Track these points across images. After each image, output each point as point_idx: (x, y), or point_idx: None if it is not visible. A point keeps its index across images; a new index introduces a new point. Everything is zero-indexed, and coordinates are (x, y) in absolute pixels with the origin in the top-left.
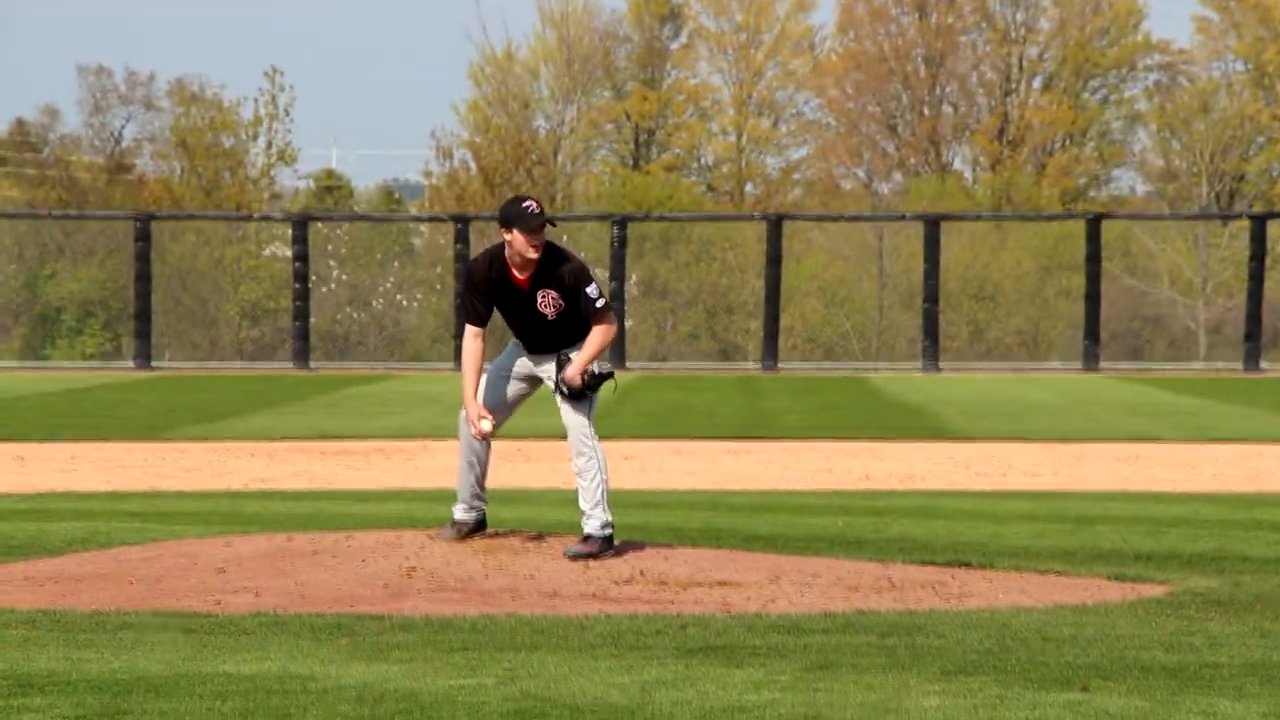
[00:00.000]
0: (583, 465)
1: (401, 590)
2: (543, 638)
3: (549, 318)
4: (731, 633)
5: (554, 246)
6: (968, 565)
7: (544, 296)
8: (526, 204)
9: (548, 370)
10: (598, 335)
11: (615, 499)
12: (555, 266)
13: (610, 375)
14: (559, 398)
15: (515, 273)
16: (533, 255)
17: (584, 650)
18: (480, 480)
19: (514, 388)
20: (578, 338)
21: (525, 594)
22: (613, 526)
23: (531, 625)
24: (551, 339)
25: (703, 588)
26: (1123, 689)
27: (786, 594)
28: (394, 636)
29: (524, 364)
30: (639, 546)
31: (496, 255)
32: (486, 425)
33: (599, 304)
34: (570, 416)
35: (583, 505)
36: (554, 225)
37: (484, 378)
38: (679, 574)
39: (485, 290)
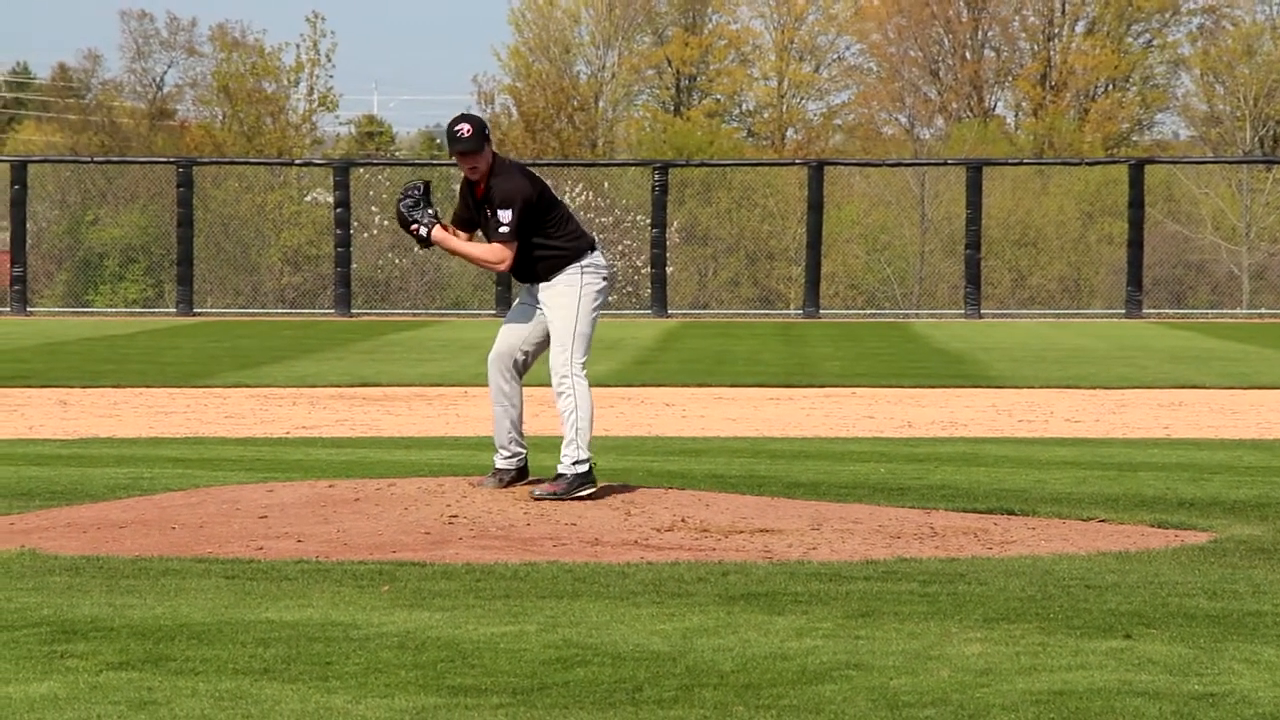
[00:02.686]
0: (563, 406)
1: (443, 537)
2: (584, 585)
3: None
4: (773, 580)
5: (507, 165)
6: (1010, 512)
7: (490, 213)
8: (457, 127)
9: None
10: (482, 246)
11: (659, 446)
12: (495, 183)
13: (420, 237)
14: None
15: (477, 186)
16: (471, 177)
17: (625, 598)
18: (516, 424)
19: (530, 311)
20: (542, 263)
21: (567, 541)
22: (589, 463)
23: (573, 573)
24: (518, 260)
25: (744, 535)
26: (1165, 636)
27: (828, 541)
28: (436, 584)
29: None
30: (680, 493)
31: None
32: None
33: (502, 230)
34: (553, 357)
35: (565, 448)
36: (478, 151)
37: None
38: (720, 521)
39: (461, 198)
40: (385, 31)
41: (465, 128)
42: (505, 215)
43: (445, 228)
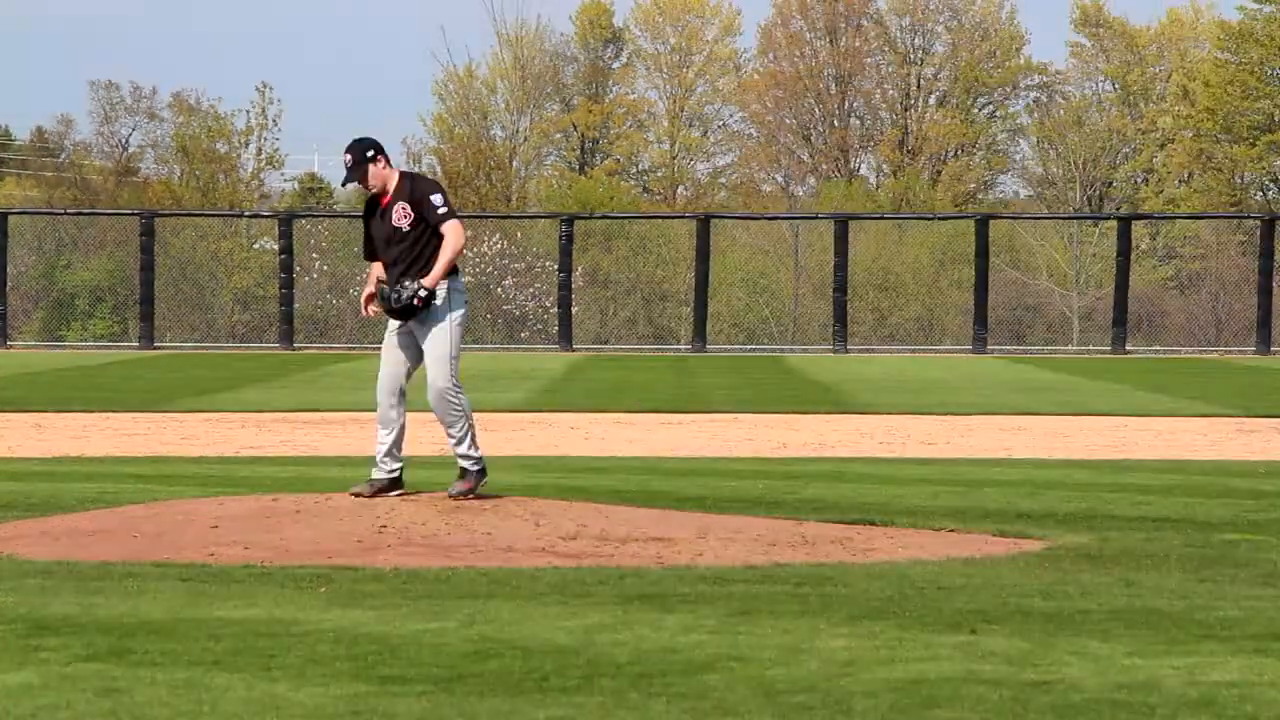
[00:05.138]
0: (452, 421)
1: (374, 545)
2: (499, 587)
3: (403, 229)
4: (664, 583)
5: (408, 175)
6: (872, 523)
7: (398, 210)
8: (344, 157)
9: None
10: (450, 236)
11: (565, 464)
12: (407, 185)
13: (423, 297)
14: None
15: (381, 199)
16: (371, 189)
17: (535, 598)
18: (395, 445)
19: (394, 352)
20: (426, 265)
21: (483, 549)
22: (482, 460)
23: (489, 576)
24: (410, 259)
25: (639, 543)
26: (1005, 632)
27: (713, 549)
28: (367, 586)
29: (393, 327)
30: (583, 506)
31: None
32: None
33: (441, 211)
34: (434, 380)
35: (457, 450)
36: (364, 175)
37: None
38: (619, 531)
39: (366, 220)
40: (325, 100)
41: (346, 158)
42: (438, 199)
43: (422, 279)
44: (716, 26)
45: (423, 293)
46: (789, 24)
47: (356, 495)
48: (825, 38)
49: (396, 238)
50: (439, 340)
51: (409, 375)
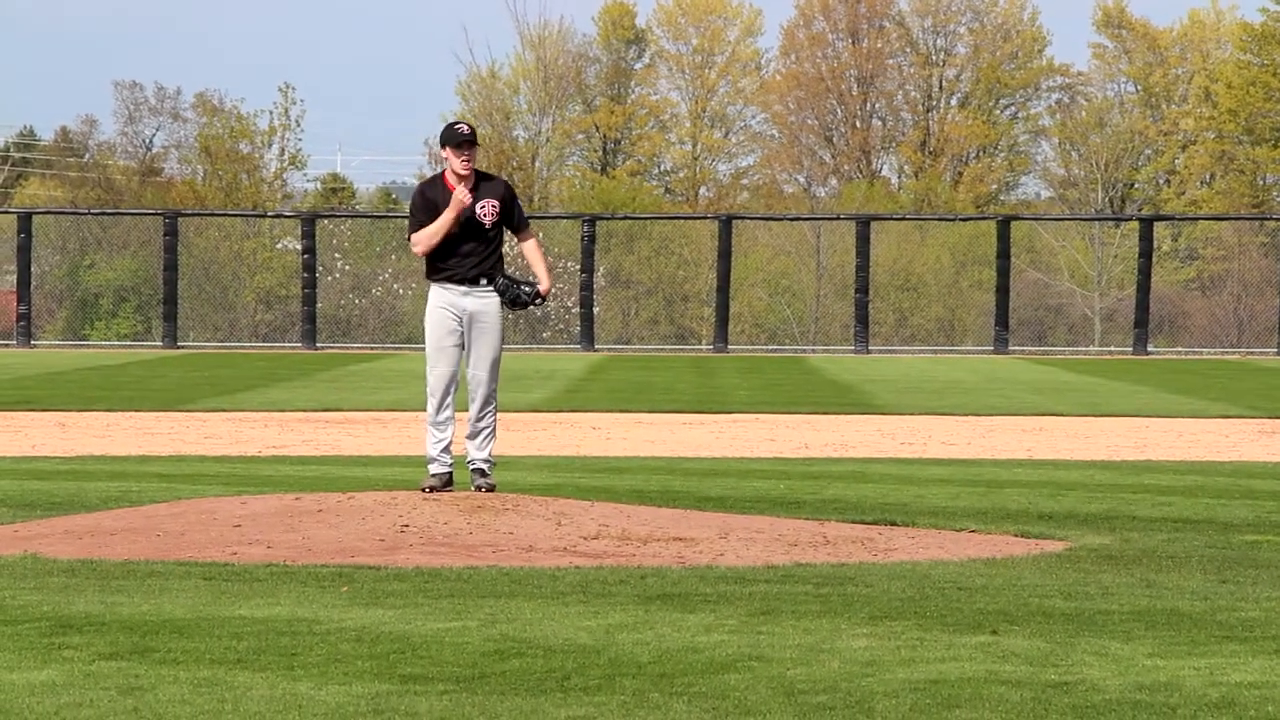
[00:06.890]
0: (489, 425)
1: (396, 544)
2: (520, 586)
3: (485, 225)
4: (686, 582)
5: (485, 175)
6: (893, 524)
7: (485, 207)
8: (458, 125)
9: (479, 304)
10: (538, 248)
11: (587, 464)
12: (490, 180)
13: (538, 299)
14: (477, 335)
15: (454, 186)
16: (462, 171)
17: (556, 598)
18: (450, 443)
19: (454, 352)
20: (499, 262)
21: (505, 548)
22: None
23: (510, 576)
24: (483, 255)
25: (660, 543)
26: (1026, 632)
27: (734, 549)
28: (389, 585)
29: (453, 328)
30: (605, 506)
31: (436, 175)
32: (464, 193)
33: (527, 217)
34: (485, 375)
35: (482, 452)
36: (476, 144)
37: (429, 355)
38: (640, 531)
39: (424, 205)
40: (348, 100)
41: (465, 126)
42: (520, 204)
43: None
44: (738, 27)
45: (539, 300)
46: (811, 25)
47: (432, 490)
48: (847, 39)
49: (477, 233)
50: (495, 344)
51: (458, 375)
